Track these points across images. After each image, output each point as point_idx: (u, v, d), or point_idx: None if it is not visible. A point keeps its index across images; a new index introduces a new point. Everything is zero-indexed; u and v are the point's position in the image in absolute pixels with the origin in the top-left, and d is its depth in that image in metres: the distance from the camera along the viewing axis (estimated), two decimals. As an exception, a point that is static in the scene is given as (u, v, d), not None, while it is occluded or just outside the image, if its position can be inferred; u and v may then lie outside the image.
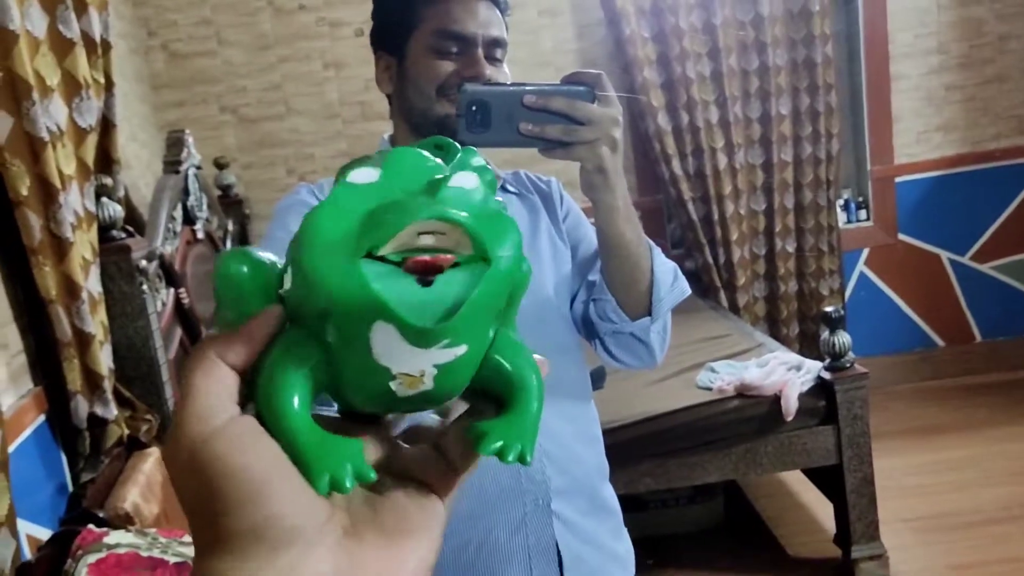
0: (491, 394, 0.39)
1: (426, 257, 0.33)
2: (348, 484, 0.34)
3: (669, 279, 1.20)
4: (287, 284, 0.37)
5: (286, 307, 0.37)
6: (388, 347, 0.34)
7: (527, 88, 1.02)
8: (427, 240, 0.33)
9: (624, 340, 1.24)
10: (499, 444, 0.37)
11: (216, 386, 0.35)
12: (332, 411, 0.40)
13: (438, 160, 0.38)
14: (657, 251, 1.20)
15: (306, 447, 0.34)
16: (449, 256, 0.34)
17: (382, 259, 0.33)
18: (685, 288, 1.24)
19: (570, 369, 1.26)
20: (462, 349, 0.35)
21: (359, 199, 0.35)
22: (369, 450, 0.38)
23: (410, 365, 0.34)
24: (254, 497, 0.33)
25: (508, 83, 1.08)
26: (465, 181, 0.37)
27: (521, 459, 0.37)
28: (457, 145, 0.43)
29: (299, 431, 0.35)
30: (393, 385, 0.35)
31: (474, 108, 1.02)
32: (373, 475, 0.35)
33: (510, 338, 0.39)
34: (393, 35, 1.22)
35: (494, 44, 1.18)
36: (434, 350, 0.34)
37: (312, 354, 0.35)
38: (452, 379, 0.36)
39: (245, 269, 0.38)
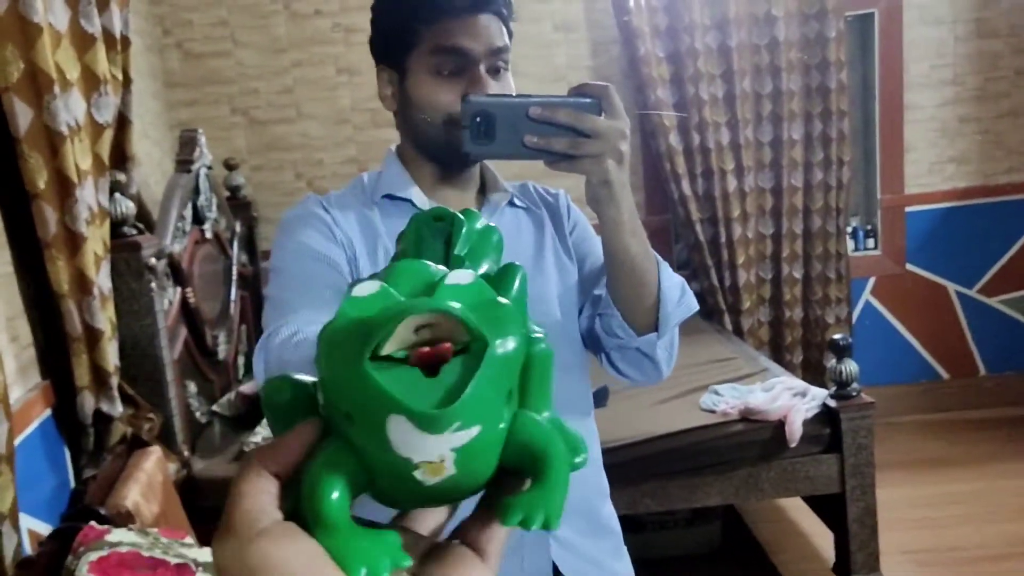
0: (520, 475, 0.41)
1: (426, 349, 0.36)
2: (384, 574, 0.37)
3: (676, 294, 1.18)
4: (320, 399, 0.40)
5: (324, 418, 0.40)
6: (404, 437, 0.35)
7: (533, 100, 1.01)
8: (425, 334, 0.36)
9: (630, 355, 1.22)
10: (522, 514, 0.39)
11: (260, 492, 0.39)
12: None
13: (438, 267, 0.42)
14: (664, 266, 1.17)
15: (343, 542, 0.37)
16: (447, 344, 0.36)
17: (389, 358, 0.36)
18: (693, 304, 1.21)
19: (573, 387, 1.24)
20: (476, 430, 0.36)
21: (363, 309, 0.38)
22: (407, 546, 0.40)
23: (429, 452, 0.36)
24: None
25: (513, 94, 1.06)
26: (460, 278, 0.39)
27: (546, 526, 0.39)
28: (457, 215, 0.47)
29: (336, 529, 0.37)
30: (418, 475, 0.37)
31: (478, 120, 1.01)
32: (408, 561, 0.38)
33: (532, 417, 0.40)
34: (393, 50, 1.18)
35: (496, 54, 1.14)
36: (448, 434, 0.35)
37: (347, 459, 0.38)
38: (474, 462, 0.38)
39: (287, 394, 0.42)
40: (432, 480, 0.37)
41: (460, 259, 0.46)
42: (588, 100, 1.02)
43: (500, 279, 0.45)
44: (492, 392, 0.37)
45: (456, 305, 0.37)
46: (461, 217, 0.48)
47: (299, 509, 0.38)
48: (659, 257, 1.17)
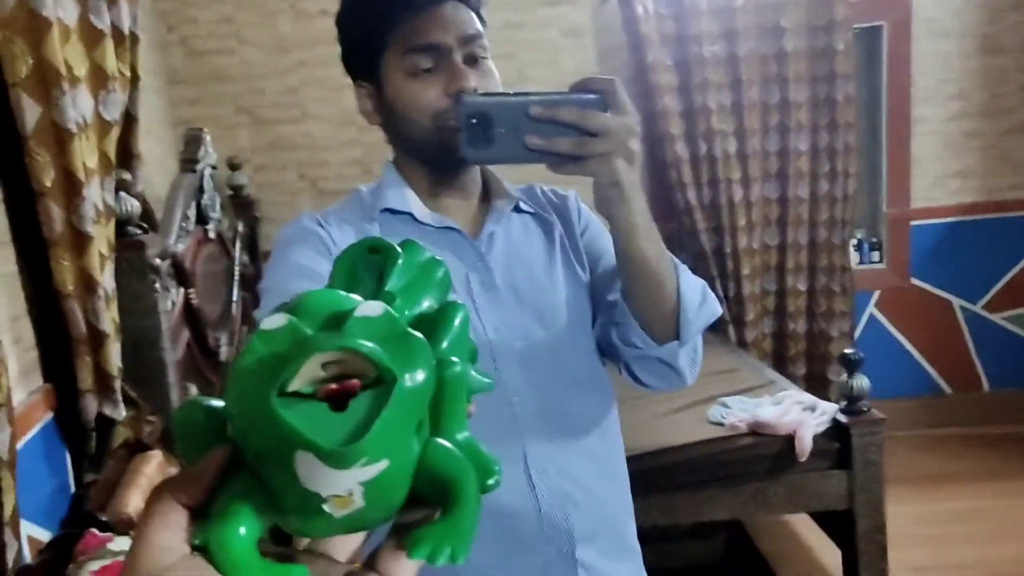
0: (432, 502, 0.41)
1: (333, 385, 0.37)
2: None
3: (697, 298, 1.11)
4: (230, 429, 0.40)
5: (234, 446, 0.40)
6: (312, 472, 0.36)
7: (533, 98, 0.94)
8: (333, 370, 0.37)
9: (651, 365, 1.15)
10: (429, 548, 0.40)
11: (167, 526, 0.38)
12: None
13: (351, 295, 0.41)
14: (683, 268, 1.10)
15: None
16: (355, 381, 0.37)
17: (297, 394, 0.36)
18: (716, 308, 1.15)
19: (591, 401, 1.18)
20: (383, 464, 0.37)
21: (271, 343, 0.38)
22: (321, 574, 0.42)
23: (336, 486, 0.36)
24: None
25: (511, 92, 0.99)
26: (369, 310, 0.39)
27: (452, 559, 0.40)
28: (393, 247, 0.45)
29: (242, 564, 0.38)
30: (327, 507, 0.37)
31: (475, 122, 0.94)
32: None
33: (441, 445, 0.41)
34: (363, 61, 1.14)
35: (470, 41, 1.09)
36: (355, 469, 0.36)
37: (255, 491, 0.38)
38: (383, 494, 0.38)
39: (199, 418, 0.41)
40: (341, 512, 0.37)
41: (390, 295, 0.44)
42: (593, 96, 0.95)
43: (439, 318, 0.44)
44: (400, 426, 0.37)
45: (364, 342, 0.37)
46: (397, 250, 0.46)
47: (208, 541, 0.39)
48: (676, 260, 1.10)
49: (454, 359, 0.42)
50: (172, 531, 0.38)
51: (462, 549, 0.40)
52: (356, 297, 0.41)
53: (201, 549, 0.38)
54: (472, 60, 1.10)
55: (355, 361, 0.37)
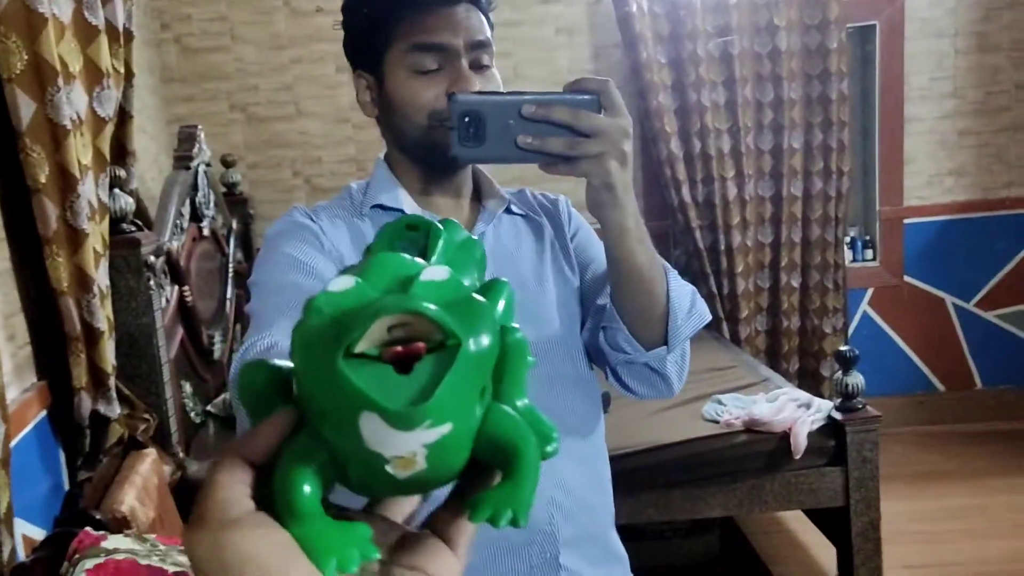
0: (492, 467, 0.42)
1: (398, 348, 0.37)
2: (353, 566, 0.38)
3: (686, 304, 1.10)
4: (295, 389, 0.41)
5: (299, 407, 0.40)
6: (376, 433, 0.36)
7: (526, 97, 0.93)
8: (399, 333, 0.37)
9: (638, 371, 1.14)
10: (490, 511, 0.40)
11: (233, 482, 0.39)
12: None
13: (416, 259, 0.42)
14: (673, 274, 1.10)
15: (313, 534, 0.38)
16: (421, 344, 0.37)
17: (363, 355, 0.36)
18: (705, 314, 1.13)
19: (578, 404, 1.17)
20: (447, 427, 0.37)
21: (337, 304, 0.38)
22: (379, 535, 0.41)
23: (400, 448, 0.37)
24: None
25: (505, 92, 0.98)
26: (435, 275, 0.40)
27: (514, 523, 0.40)
28: (434, 223, 0.46)
29: (307, 520, 0.38)
30: (389, 469, 0.37)
31: (467, 120, 0.93)
32: (377, 554, 0.39)
33: (504, 411, 0.41)
34: (367, 52, 1.12)
35: (478, 48, 1.08)
36: (419, 431, 0.36)
37: (320, 451, 0.39)
38: (445, 457, 0.38)
39: (263, 379, 0.42)
40: (404, 474, 0.38)
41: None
42: (586, 96, 0.94)
43: (487, 293, 0.44)
44: (464, 390, 0.37)
45: (430, 305, 0.37)
46: (439, 226, 0.46)
47: (273, 498, 0.39)
48: (667, 264, 1.09)
49: (515, 326, 0.42)
50: (237, 486, 0.39)
51: (523, 513, 0.40)
52: (421, 261, 0.42)
53: (267, 506, 0.39)
54: (478, 66, 1.09)
55: (421, 324, 0.37)
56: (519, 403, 0.42)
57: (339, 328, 0.36)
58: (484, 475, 0.42)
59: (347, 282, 0.39)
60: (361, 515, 0.44)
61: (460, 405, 0.38)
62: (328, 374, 0.36)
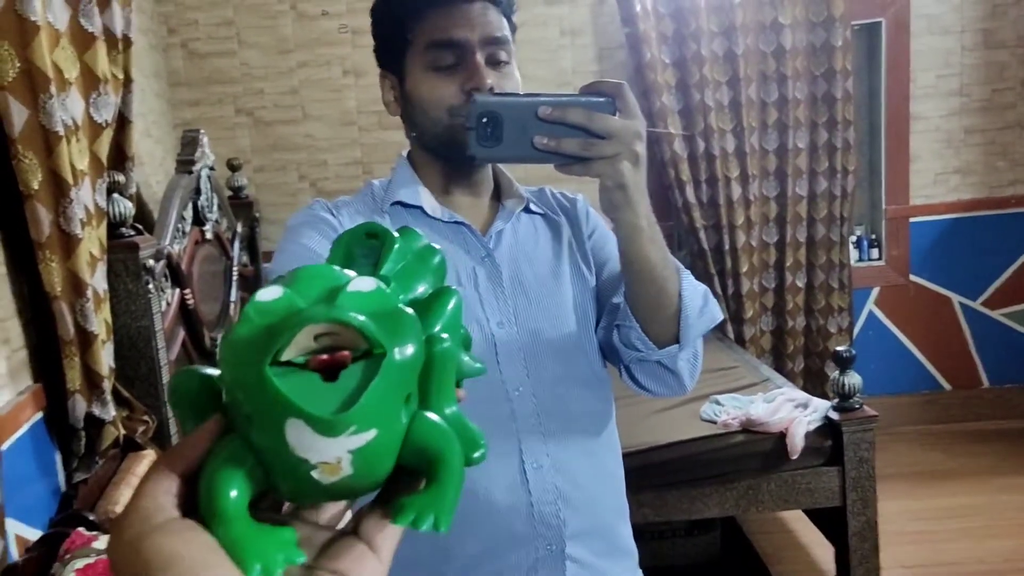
0: (418, 473, 0.42)
1: (324, 356, 0.38)
2: (277, 570, 0.38)
3: (698, 303, 1.12)
4: (224, 396, 0.41)
5: (227, 414, 0.41)
6: (302, 440, 0.37)
7: (542, 99, 0.96)
8: (325, 341, 0.38)
9: (650, 368, 1.16)
10: (412, 515, 0.41)
11: (158, 491, 0.39)
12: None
13: (345, 271, 0.42)
14: (686, 273, 1.12)
15: (238, 538, 0.38)
16: (346, 352, 0.38)
17: (290, 363, 0.37)
18: (716, 314, 1.16)
19: (591, 402, 1.19)
20: (371, 434, 0.38)
21: (266, 314, 0.39)
22: (304, 539, 0.42)
23: (325, 454, 0.38)
24: None
25: (522, 94, 1.00)
26: (362, 286, 0.40)
27: (435, 526, 0.41)
28: (390, 232, 0.47)
29: (232, 524, 0.38)
30: (315, 474, 0.38)
31: (485, 121, 0.96)
32: (301, 558, 0.39)
33: (429, 419, 0.42)
34: (391, 54, 1.16)
35: (494, 44, 1.10)
36: (343, 437, 0.37)
37: (246, 457, 0.39)
38: (371, 463, 0.39)
39: (194, 385, 0.43)
40: (329, 479, 0.39)
41: (385, 279, 0.45)
42: (601, 99, 0.96)
43: (432, 302, 0.45)
44: (389, 397, 0.38)
45: (355, 315, 0.38)
46: (394, 235, 0.48)
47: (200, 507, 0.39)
48: (679, 264, 1.11)
49: (444, 336, 0.43)
50: (162, 494, 0.39)
51: (445, 518, 0.41)
52: (350, 273, 0.42)
53: (196, 515, 0.39)
54: (495, 62, 1.11)
55: (347, 333, 0.38)
56: (447, 411, 0.43)
57: (267, 336, 0.37)
58: (410, 481, 0.43)
59: (276, 292, 0.40)
60: (287, 519, 0.44)
61: (385, 412, 0.38)
62: (255, 381, 0.37)
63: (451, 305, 0.45)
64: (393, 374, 0.38)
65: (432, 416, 0.42)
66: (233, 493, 0.39)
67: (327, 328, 0.37)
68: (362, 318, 0.38)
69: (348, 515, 0.47)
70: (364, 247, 0.47)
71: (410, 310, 0.41)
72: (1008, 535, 3.01)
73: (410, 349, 0.39)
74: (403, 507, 0.41)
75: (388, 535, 0.43)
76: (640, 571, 1.27)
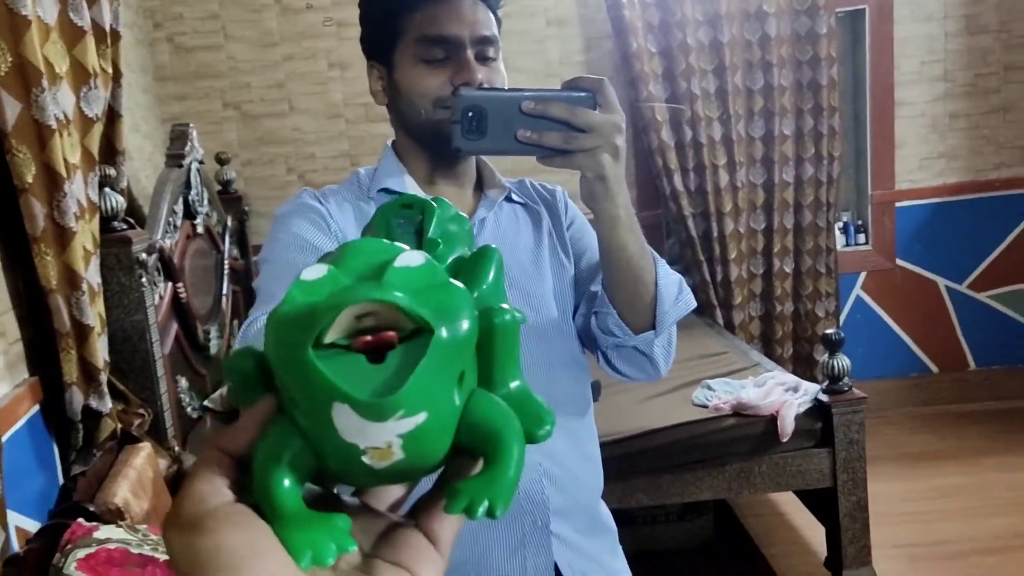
0: (476, 454, 0.41)
1: (367, 337, 0.36)
2: (328, 560, 0.37)
3: (674, 291, 1.16)
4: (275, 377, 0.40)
5: (278, 396, 0.40)
6: (349, 424, 0.36)
7: (526, 94, 0.98)
8: (369, 322, 0.36)
9: (627, 354, 1.20)
10: (466, 502, 0.39)
11: (211, 474, 0.39)
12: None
13: (396, 243, 0.41)
14: (661, 262, 1.16)
15: (290, 525, 0.38)
16: (390, 333, 0.36)
17: (335, 345, 0.36)
18: (691, 301, 1.20)
19: (571, 385, 1.23)
20: (421, 417, 0.36)
21: (311, 293, 0.37)
22: (361, 526, 0.41)
23: (374, 439, 0.36)
24: (238, 570, 0.36)
25: (506, 88, 1.04)
26: (410, 260, 0.39)
27: (490, 513, 0.39)
28: (428, 201, 0.47)
29: (283, 510, 0.38)
30: (365, 459, 0.37)
31: (470, 114, 0.98)
32: (353, 547, 0.38)
33: (487, 397, 0.40)
34: (380, 44, 1.18)
35: (484, 43, 1.13)
36: (391, 422, 0.36)
37: (296, 441, 0.38)
38: (423, 446, 0.38)
39: (249, 366, 0.41)
40: (381, 464, 0.37)
41: (435, 243, 0.46)
42: (583, 94, 0.99)
43: (475, 263, 0.45)
44: (439, 378, 0.37)
45: (397, 294, 0.36)
46: (432, 203, 0.48)
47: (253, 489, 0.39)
48: (656, 254, 1.15)
49: (505, 306, 0.41)
50: (215, 478, 0.39)
51: (501, 502, 0.39)
52: (401, 245, 0.41)
53: (250, 498, 0.39)
54: (483, 59, 1.13)
55: (391, 312, 0.36)
56: (512, 385, 0.42)
57: (310, 318, 0.36)
58: (471, 463, 0.41)
59: (320, 270, 0.38)
60: (344, 504, 0.43)
61: (435, 394, 0.37)
62: (298, 364, 0.36)
63: (494, 264, 0.45)
64: (442, 353, 0.36)
65: (488, 395, 0.41)
66: (285, 479, 0.38)
67: (370, 308, 0.36)
68: (404, 297, 0.36)
69: (413, 497, 0.46)
70: (402, 217, 0.48)
71: (460, 284, 0.39)
72: (998, 514, 3.05)
73: (460, 326, 0.37)
74: (457, 493, 0.39)
75: (447, 524, 0.42)
76: (620, 547, 1.30)
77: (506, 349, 0.41)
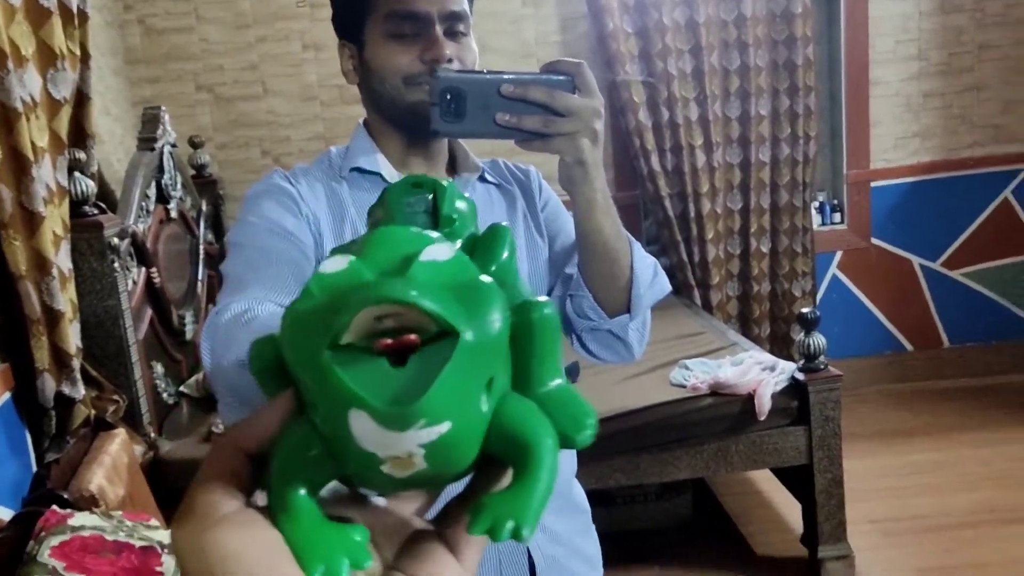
0: (506, 462, 0.38)
1: (388, 340, 0.33)
2: (341, 574, 0.35)
3: (649, 275, 1.16)
4: None
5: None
6: (367, 432, 0.33)
7: (504, 76, 0.98)
8: (390, 322, 0.33)
9: (602, 337, 1.20)
10: (489, 522, 0.36)
11: (224, 474, 0.37)
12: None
13: (425, 232, 0.38)
14: (637, 246, 1.15)
15: (304, 536, 0.35)
16: (412, 337, 0.33)
17: (353, 346, 0.33)
18: (665, 285, 1.20)
19: None
20: (444, 427, 0.33)
21: (329, 288, 0.35)
22: (383, 534, 0.39)
23: (394, 448, 0.34)
24: None
25: (485, 71, 1.04)
26: (437, 253, 0.36)
27: (515, 535, 0.35)
28: (438, 180, 0.44)
29: (299, 520, 0.36)
30: (385, 469, 0.35)
31: (448, 96, 0.97)
32: (368, 562, 0.36)
33: (519, 403, 0.37)
34: (350, 22, 1.17)
35: (453, 18, 1.11)
36: (412, 431, 0.33)
37: (315, 443, 0.36)
38: (447, 456, 0.35)
39: (272, 354, 0.38)
40: (401, 474, 0.35)
41: (450, 219, 0.44)
42: (562, 77, 0.98)
43: (488, 241, 0.43)
44: (464, 385, 0.34)
45: (421, 295, 0.33)
46: (441, 182, 0.46)
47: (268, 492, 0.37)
48: (631, 237, 1.15)
49: (543, 299, 0.39)
50: (230, 479, 0.37)
51: (528, 523, 0.35)
52: (432, 234, 0.39)
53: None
54: (453, 33, 1.12)
55: (410, 313, 0.33)
56: (552, 384, 0.39)
57: (327, 317, 0.34)
58: (499, 472, 0.38)
59: (340, 263, 0.36)
60: (365, 510, 0.41)
61: (460, 401, 0.34)
62: (314, 365, 0.34)
63: (507, 244, 0.42)
64: (468, 358, 0.33)
65: (521, 400, 0.38)
66: (301, 489, 0.36)
67: (387, 309, 0.33)
68: (428, 298, 0.33)
69: (440, 501, 0.43)
70: (412, 196, 0.46)
71: (490, 280, 0.37)
72: (971, 488, 3.09)
73: (489, 329, 0.35)
74: (481, 509, 0.36)
75: (472, 539, 0.39)
76: (593, 527, 1.31)
77: (545, 346, 0.38)
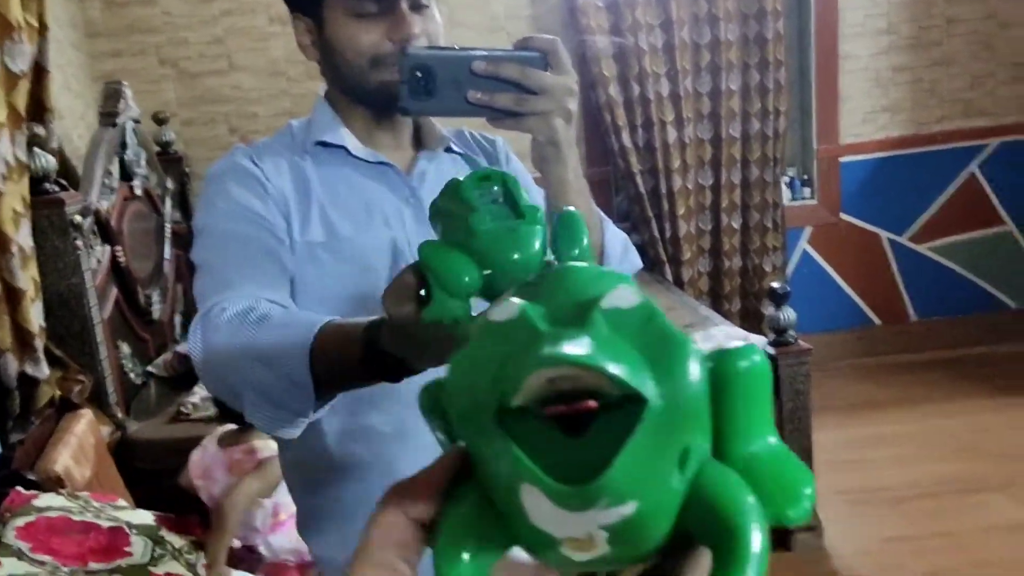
0: (703, 542, 0.33)
1: (562, 407, 0.30)
2: None
3: (619, 251, 1.14)
4: None
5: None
6: (540, 509, 0.30)
7: (476, 53, 0.94)
8: (567, 383, 0.30)
9: None
10: None
11: (391, 545, 0.35)
12: None
13: (607, 270, 0.35)
14: (608, 223, 1.14)
15: None
16: (590, 403, 0.30)
17: (526, 409, 0.30)
18: (636, 261, 1.19)
19: None
20: (629, 507, 0.30)
21: (495, 341, 0.32)
22: None
23: (571, 529, 0.30)
24: None
25: (456, 47, 1.02)
26: (621, 300, 0.32)
27: None
28: (506, 173, 0.46)
29: None
30: (563, 550, 0.31)
31: (418, 74, 0.94)
32: None
33: (720, 475, 0.33)
34: None
35: None
36: (592, 512, 0.30)
37: (487, 513, 0.33)
38: (632, 540, 0.31)
39: (439, 396, 0.36)
40: (581, 556, 0.31)
41: (534, 208, 0.44)
42: (535, 54, 0.96)
43: (567, 227, 0.42)
44: (653, 459, 0.30)
45: (602, 357, 0.29)
46: (509, 174, 0.47)
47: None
48: (602, 214, 1.13)
49: (746, 343, 0.36)
50: (395, 551, 0.35)
51: None
52: (612, 271, 0.36)
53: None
54: (417, 7, 1.09)
55: (592, 374, 0.30)
56: (761, 444, 0.35)
57: (497, 374, 0.31)
58: (694, 555, 0.34)
59: (511, 310, 0.33)
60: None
61: (648, 478, 0.30)
62: (482, 429, 0.31)
63: (584, 230, 0.42)
64: (658, 428, 0.30)
65: (723, 471, 0.33)
66: (471, 559, 0.33)
67: (561, 372, 0.30)
68: (610, 359, 0.30)
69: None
70: (481, 189, 0.45)
71: (680, 332, 0.33)
72: (939, 459, 3.13)
73: (683, 393, 0.31)
74: None
75: None
76: None
77: (752, 400, 0.34)
